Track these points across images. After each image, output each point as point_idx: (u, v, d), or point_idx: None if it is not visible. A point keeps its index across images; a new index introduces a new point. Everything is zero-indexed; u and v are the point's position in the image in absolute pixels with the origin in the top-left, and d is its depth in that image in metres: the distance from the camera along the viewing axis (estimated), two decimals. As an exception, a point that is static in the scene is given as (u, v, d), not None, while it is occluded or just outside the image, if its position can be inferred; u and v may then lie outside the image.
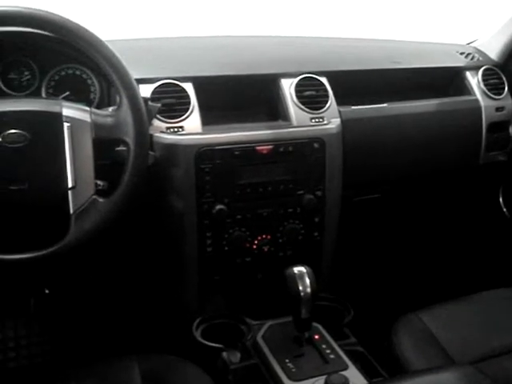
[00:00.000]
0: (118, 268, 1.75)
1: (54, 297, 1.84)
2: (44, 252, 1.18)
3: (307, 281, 1.30)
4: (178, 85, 1.42)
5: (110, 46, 1.19)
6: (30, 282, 1.79)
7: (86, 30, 1.18)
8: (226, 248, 1.45)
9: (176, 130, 1.39)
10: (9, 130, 1.14)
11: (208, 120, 1.43)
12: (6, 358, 1.86)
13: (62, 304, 1.87)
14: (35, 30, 1.19)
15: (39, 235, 1.21)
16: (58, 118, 1.17)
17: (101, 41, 1.18)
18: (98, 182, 1.22)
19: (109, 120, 1.21)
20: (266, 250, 1.49)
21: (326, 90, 1.54)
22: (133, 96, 1.19)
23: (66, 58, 1.46)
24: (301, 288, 1.29)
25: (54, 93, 1.48)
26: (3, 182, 1.15)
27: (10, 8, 1.12)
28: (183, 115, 1.40)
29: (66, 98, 1.45)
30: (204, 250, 1.44)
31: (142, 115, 1.20)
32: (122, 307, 1.83)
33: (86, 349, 1.80)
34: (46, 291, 1.82)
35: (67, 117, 1.17)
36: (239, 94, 1.53)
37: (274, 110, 1.53)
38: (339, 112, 1.54)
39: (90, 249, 1.28)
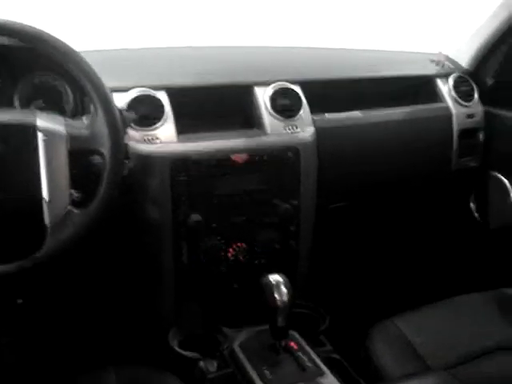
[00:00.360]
0: (94, 278, 1.73)
1: (27, 307, 1.82)
2: (19, 263, 1.17)
3: (283, 289, 1.30)
4: (152, 94, 1.42)
5: (84, 57, 1.18)
6: (1, 292, 1.77)
7: (60, 41, 1.17)
8: (202, 257, 1.45)
9: (151, 139, 1.39)
10: None
11: (183, 129, 1.44)
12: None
13: (35, 314, 1.85)
14: (8, 40, 1.18)
15: (14, 247, 1.20)
16: (32, 129, 1.15)
17: (74, 51, 1.17)
18: (73, 193, 1.21)
19: (84, 131, 1.20)
20: (241, 258, 1.49)
21: (299, 99, 1.55)
22: (108, 107, 1.18)
23: (39, 66, 1.45)
24: (277, 296, 1.29)
25: (27, 102, 1.46)
26: None
27: None
28: (157, 124, 1.40)
29: (39, 107, 1.45)
30: (180, 259, 1.44)
31: (117, 126, 1.19)
32: (98, 317, 1.81)
33: (60, 360, 1.78)
34: (19, 301, 1.80)
35: (42, 128, 1.15)
36: (214, 103, 1.53)
37: (249, 119, 1.54)
38: (313, 120, 1.56)
39: (65, 259, 1.27)
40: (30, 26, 1.15)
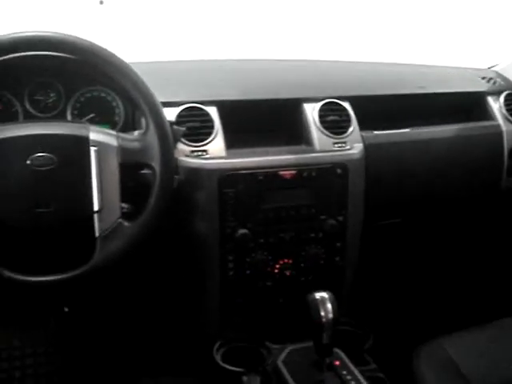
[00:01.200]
0: (141, 289, 1.75)
1: (74, 315, 1.85)
2: (69, 275, 1.19)
3: (329, 306, 1.29)
4: (202, 109, 1.44)
5: (136, 71, 1.20)
6: (50, 301, 1.80)
7: (114, 55, 1.19)
8: (248, 271, 1.45)
9: (200, 153, 1.40)
10: (37, 153, 1.14)
11: (231, 144, 1.44)
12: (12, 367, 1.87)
13: (82, 323, 1.88)
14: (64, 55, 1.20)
15: (64, 258, 1.22)
16: (85, 141, 1.18)
17: (128, 66, 1.20)
18: (123, 205, 1.23)
19: (135, 144, 1.22)
20: (287, 274, 1.49)
21: (348, 115, 1.55)
22: (159, 121, 1.20)
23: (92, 81, 1.48)
24: (322, 314, 1.28)
25: (79, 115, 1.50)
26: (30, 204, 1.16)
27: (41, 33, 1.14)
28: (207, 139, 1.41)
29: (91, 120, 1.48)
30: (226, 273, 1.44)
31: (168, 140, 1.21)
32: (143, 328, 1.83)
33: (103, 369, 1.80)
34: (66, 310, 1.83)
35: (94, 141, 1.18)
36: (262, 118, 1.53)
37: (297, 135, 1.54)
38: (362, 137, 1.55)
39: (113, 271, 1.29)
40: (84, 40, 1.17)
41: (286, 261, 1.47)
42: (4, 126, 1.20)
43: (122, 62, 1.19)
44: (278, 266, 1.47)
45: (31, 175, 1.15)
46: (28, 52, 1.17)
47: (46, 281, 1.18)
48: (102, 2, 2.98)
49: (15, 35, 1.13)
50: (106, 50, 1.19)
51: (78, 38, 1.16)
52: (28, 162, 1.14)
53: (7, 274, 1.15)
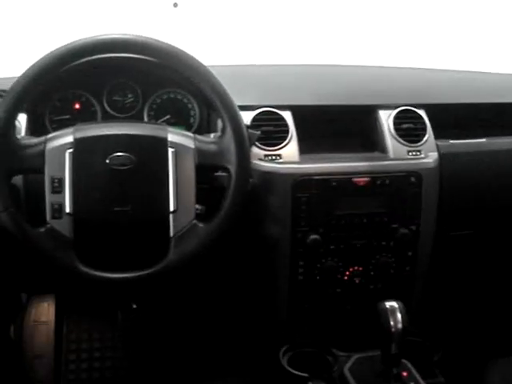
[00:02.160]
0: (209, 290, 1.77)
1: (142, 312, 1.88)
2: (143, 272, 1.21)
3: (399, 316, 1.28)
4: (277, 113, 1.45)
5: (215, 75, 1.21)
6: (120, 297, 1.84)
7: (194, 59, 1.21)
8: (318, 277, 1.45)
9: (274, 157, 1.41)
10: (116, 152, 1.17)
11: (305, 149, 1.45)
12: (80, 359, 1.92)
13: (149, 319, 1.91)
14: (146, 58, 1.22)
15: (139, 256, 1.24)
16: (163, 142, 1.20)
17: (207, 69, 1.21)
18: (197, 207, 1.24)
19: (212, 147, 1.23)
20: (357, 281, 1.48)
21: (424, 123, 1.53)
22: (237, 125, 1.21)
23: (169, 83, 1.51)
24: (392, 323, 1.27)
25: (155, 116, 1.53)
26: (108, 203, 1.19)
27: (124, 36, 1.17)
28: (281, 143, 1.42)
29: (167, 122, 1.51)
30: (295, 277, 1.45)
31: (245, 144, 1.22)
32: (210, 329, 1.85)
33: (169, 367, 1.83)
34: (134, 306, 1.86)
35: (172, 142, 1.20)
36: (336, 124, 1.53)
37: (371, 141, 1.53)
38: (437, 146, 1.52)
39: (185, 270, 1.30)
40: (165, 43, 1.19)
41: (356, 268, 1.47)
42: (84, 126, 1.25)
43: (202, 65, 1.21)
44: (347, 273, 1.47)
45: (110, 174, 1.18)
46: (110, 54, 1.19)
47: (122, 278, 1.21)
48: (176, 5, 3.01)
49: (99, 37, 1.16)
50: (186, 53, 1.20)
51: (160, 41, 1.19)
52: (107, 161, 1.17)
53: (84, 269, 1.18)
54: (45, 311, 1.94)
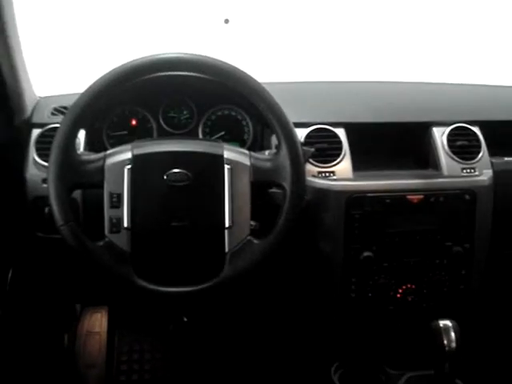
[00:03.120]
0: (261, 305, 1.78)
1: (192, 326, 1.91)
2: (198, 287, 1.23)
3: (452, 335, 1.28)
4: (330, 130, 1.46)
5: (270, 93, 1.23)
6: (171, 310, 1.87)
7: (251, 78, 1.23)
8: (370, 294, 1.45)
9: (327, 174, 1.43)
10: (173, 168, 1.20)
11: (358, 165, 1.46)
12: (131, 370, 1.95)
13: (199, 334, 1.94)
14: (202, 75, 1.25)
15: (194, 271, 1.27)
16: (219, 159, 1.22)
17: (264, 88, 1.23)
18: (252, 223, 1.26)
19: (267, 164, 1.25)
20: (409, 299, 1.48)
21: (478, 141, 1.53)
22: (292, 143, 1.22)
23: (223, 100, 1.54)
24: (446, 342, 1.27)
25: (210, 132, 1.57)
26: (165, 218, 1.21)
27: (182, 55, 1.20)
28: (335, 160, 1.44)
29: (221, 138, 1.54)
30: (347, 295, 1.45)
31: (299, 161, 1.23)
32: (261, 344, 1.87)
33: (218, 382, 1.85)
34: (185, 319, 1.89)
35: (228, 159, 1.23)
36: (389, 140, 1.54)
37: (424, 158, 1.54)
38: (491, 163, 1.51)
39: (238, 285, 1.32)
40: (222, 62, 1.21)
41: (409, 286, 1.46)
42: (142, 142, 1.28)
43: (259, 84, 1.23)
44: (400, 291, 1.46)
45: (167, 190, 1.20)
46: (169, 72, 1.22)
47: (176, 292, 1.23)
48: (227, 21, 3.05)
49: (159, 56, 1.20)
50: (242, 71, 1.22)
51: (216, 59, 1.21)
52: (165, 177, 1.20)
53: (140, 282, 1.21)
54: (97, 322, 2.01)
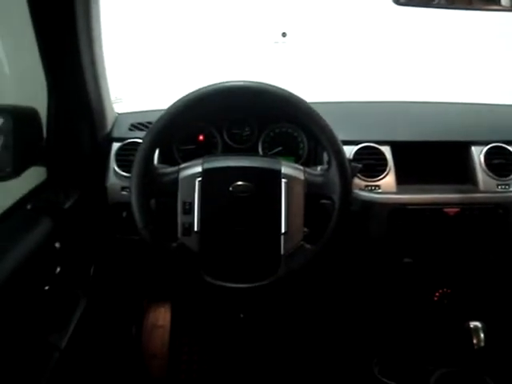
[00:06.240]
0: (309, 304, 1.96)
1: (248, 322, 2.11)
2: (257, 284, 1.43)
3: (482, 336, 1.44)
4: (377, 148, 1.65)
5: (319, 110, 1.40)
6: (230, 306, 2.06)
7: (305, 102, 1.40)
8: (409, 297, 1.64)
9: (373, 188, 1.61)
10: (238, 181, 1.41)
11: (402, 180, 1.64)
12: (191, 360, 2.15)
13: (254, 329, 2.14)
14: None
15: (254, 270, 1.46)
16: (277, 174, 1.42)
17: (316, 113, 1.40)
18: (304, 229, 1.45)
19: (319, 179, 1.44)
20: (445, 302, 1.66)
21: None
22: (341, 161, 1.40)
23: (281, 118, 1.75)
24: (475, 342, 1.43)
25: (269, 147, 1.77)
26: (230, 223, 1.42)
27: (253, 84, 1.39)
28: (380, 175, 1.63)
29: (278, 153, 1.75)
30: (388, 296, 1.64)
31: (347, 177, 1.41)
32: (307, 339, 2.06)
33: (269, 375, 2.05)
34: (241, 316, 2.08)
35: (285, 174, 1.42)
36: (431, 157, 1.71)
37: (462, 175, 1.69)
38: None
39: (290, 285, 1.49)
40: (280, 89, 1.40)
41: (445, 290, 1.65)
42: (211, 158, 1.48)
43: (311, 108, 1.40)
44: (437, 295, 1.65)
45: (232, 200, 1.41)
46: (238, 98, 1.42)
47: (238, 287, 1.44)
48: (284, 34, 3.20)
49: (227, 85, 1.39)
50: (299, 97, 1.40)
51: (276, 87, 1.40)
52: (230, 188, 1.41)
53: (208, 279, 1.42)
54: (162, 316, 2.23)
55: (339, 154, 1.39)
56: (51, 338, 1.43)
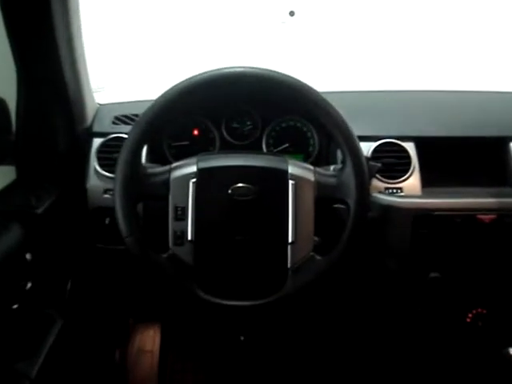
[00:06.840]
0: (320, 321, 1.86)
1: (249, 345, 2.00)
2: (259, 302, 1.31)
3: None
4: (399, 144, 1.53)
5: (335, 107, 1.29)
6: (229, 328, 1.97)
7: (314, 91, 1.29)
8: (437, 317, 1.51)
9: (395, 191, 1.49)
10: (238, 183, 1.29)
11: (427, 182, 1.52)
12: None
13: (255, 353, 2.03)
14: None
15: (256, 286, 1.34)
16: (284, 175, 1.30)
17: (327, 102, 1.29)
18: (315, 238, 1.33)
19: (332, 180, 1.32)
20: (480, 324, 1.52)
21: None
22: (357, 160, 1.29)
23: (288, 111, 1.63)
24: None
25: (274, 144, 1.65)
26: (229, 231, 1.30)
27: (254, 70, 1.28)
28: (403, 176, 1.51)
29: (285, 150, 1.63)
30: (413, 314, 1.51)
31: (364, 178, 1.29)
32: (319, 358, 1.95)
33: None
34: (242, 338, 1.98)
35: (292, 175, 1.30)
36: (462, 156, 1.59)
37: (498, 176, 1.58)
38: None
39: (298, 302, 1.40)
40: (287, 76, 1.29)
41: (479, 310, 1.51)
42: (207, 156, 1.36)
43: (322, 97, 1.29)
44: (470, 315, 1.51)
45: (232, 204, 1.29)
46: (236, 85, 1.31)
47: (238, 305, 1.31)
48: (292, 13, 3.15)
49: (224, 71, 1.28)
50: (306, 85, 1.30)
51: (282, 73, 1.29)
52: (229, 191, 1.29)
53: (203, 295, 1.30)
54: (150, 340, 2.10)
55: (355, 151, 1.28)
56: (19, 366, 1.33)
